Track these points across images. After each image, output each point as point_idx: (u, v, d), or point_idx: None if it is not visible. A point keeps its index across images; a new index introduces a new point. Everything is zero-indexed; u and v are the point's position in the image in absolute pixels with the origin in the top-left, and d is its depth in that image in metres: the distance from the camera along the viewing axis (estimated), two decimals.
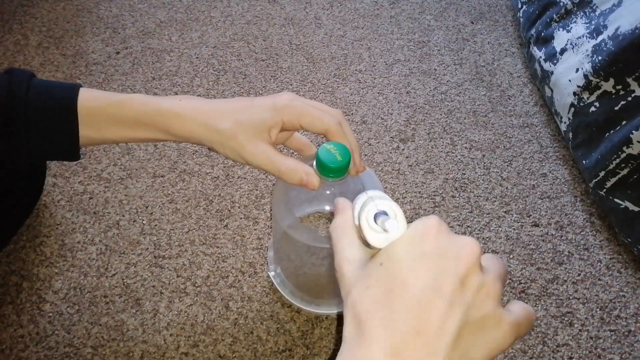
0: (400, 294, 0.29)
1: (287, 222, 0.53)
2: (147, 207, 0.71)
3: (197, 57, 0.91)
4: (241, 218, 0.70)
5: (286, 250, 0.60)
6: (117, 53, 0.92)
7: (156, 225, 0.69)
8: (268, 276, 0.64)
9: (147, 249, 0.67)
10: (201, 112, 0.47)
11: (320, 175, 0.47)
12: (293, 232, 0.52)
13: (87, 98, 0.48)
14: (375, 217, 0.32)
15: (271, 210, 0.70)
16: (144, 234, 0.68)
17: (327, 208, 0.53)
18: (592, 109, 0.73)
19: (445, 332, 0.28)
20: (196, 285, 0.64)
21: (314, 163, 0.47)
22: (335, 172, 0.47)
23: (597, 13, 0.78)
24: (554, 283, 0.65)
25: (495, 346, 0.29)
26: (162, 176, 0.74)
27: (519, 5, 0.96)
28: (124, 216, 0.70)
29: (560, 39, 0.82)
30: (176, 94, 0.85)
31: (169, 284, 0.64)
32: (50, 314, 0.61)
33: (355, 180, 0.53)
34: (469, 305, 0.29)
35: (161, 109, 0.47)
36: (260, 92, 0.86)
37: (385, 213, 0.32)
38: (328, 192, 0.51)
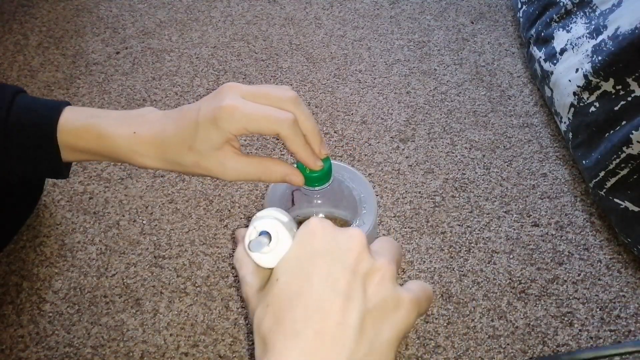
0: (298, 301, 0.29)
1: None
2: (147, 207, 0.71)
3: (197, 57, 0.91)
4: (241, 218, 0.70)
5: None
6: (117, 53, 0.92)
7: (156, 225, 0.69)
8: None
9: (147, 249, 0.67)
10: (156, 147, 0.45)
11: (306, 187, 0.48)
12: None
13: (68, 120, 0.46)
14: (262, 236, 0.32)
15: None
16: (144, 234, 0.68)
17: (321, 216, 0.54)
18: (592, 109, 0.73)
19: (348, 326, 0.28)
20: (196, 285, 0.64)
21: None
22: (319, 180, 0.47)
23: (597, 13, 0.78)
24: (554, 283, 0.65)
25: (401, 326, 0.30)
26: (162, 176, 0.74)
27: (519, 5, 0.96)
28: (124, 216, 0.70)
29: (560, 39, 0.82)
30: (176, 94, 0.85)
31: (169, 284, 0.64)
32: (50, 314, 0.61)
33: (345, 183, 0.53)
34: (365, 293, 0.29)
35: (117, 145, 0.45)
36: None
37: (267, 232, 0.32)
38: (319, 200, 0.52)
